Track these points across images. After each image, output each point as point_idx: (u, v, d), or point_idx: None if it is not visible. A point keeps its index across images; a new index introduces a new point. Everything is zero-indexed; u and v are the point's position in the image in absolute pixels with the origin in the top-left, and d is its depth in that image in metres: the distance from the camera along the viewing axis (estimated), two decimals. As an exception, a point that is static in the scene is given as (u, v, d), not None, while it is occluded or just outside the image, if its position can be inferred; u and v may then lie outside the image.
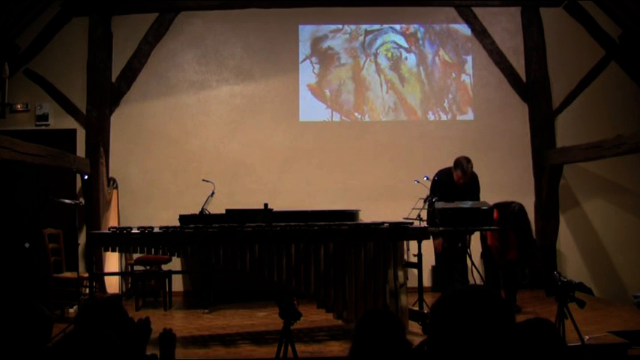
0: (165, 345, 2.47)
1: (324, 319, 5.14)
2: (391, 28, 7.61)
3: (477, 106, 7.52)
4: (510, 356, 1.35)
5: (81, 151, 7.19)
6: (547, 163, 7.23)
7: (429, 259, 6.39)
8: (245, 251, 4.54)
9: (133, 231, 4.59)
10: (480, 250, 7.14)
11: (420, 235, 4.80)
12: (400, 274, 4.69)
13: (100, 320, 2.02)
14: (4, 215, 7.00)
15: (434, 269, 7.05)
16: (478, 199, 5.72)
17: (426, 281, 6.29)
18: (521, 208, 5.54)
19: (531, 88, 7.46)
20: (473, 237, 5.70)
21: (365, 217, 6.48)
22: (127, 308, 2.30)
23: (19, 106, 7.16)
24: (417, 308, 4.84)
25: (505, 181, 7.22)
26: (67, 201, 5.72)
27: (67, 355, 1.53)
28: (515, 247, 5.49)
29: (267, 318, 5.56)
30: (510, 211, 5.48)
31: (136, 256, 6.30)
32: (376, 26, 7.60)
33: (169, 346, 2.45)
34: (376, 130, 7.46)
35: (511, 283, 5.80)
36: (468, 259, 5.36)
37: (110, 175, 7.13)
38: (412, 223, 4.93)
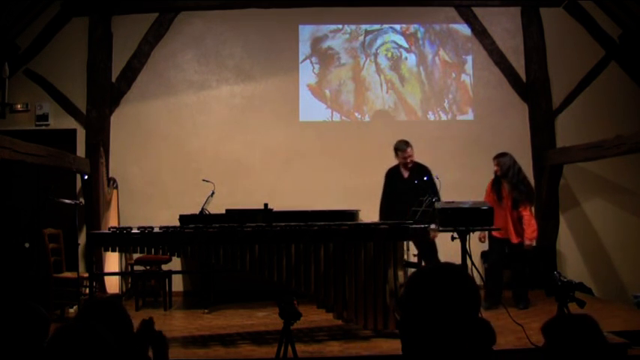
0: (158, 348, 2.44)
1: (324, 319, 5.13)
2: (391, 28, 7.61)
3: (477, 106, 7.52)
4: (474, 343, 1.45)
5: (81, 151, 7.19)
6: (547, 163, 7.23)
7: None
8: (245, 251, 4.53)
9: (133, 231, 4.59)
10: (480, 250, 7.17)
11: (420, 235, 4.79)
12: (400, 274, 4.69)
13: (100, 320, 2.02)
14: (4, 215, 7.00)
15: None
16: (438, 195, 5.64)
17: (426, 281, 6.27)
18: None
19: (531, 88, 7.46)
20: (474, 235, 5.70)
21: (365, 217, 6.48)
22: (127, 308, 2.30)
23: (19, 106, 7.15)
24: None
25: (505, 181, 7.23)
26: (67, 201, 5.73)
27: (56, 349, 1.54)
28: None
29: (267, 318, 5.56)
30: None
31: (136, 256, 6.31)
32: (376, 26, 7.60)
33: (162, 348, 2.42)
34: (376, 130, 7.46)
35: (521, 279, 5.84)
36: (468, 259, 5.35)
37: (110, 175, 7.13)
38: (412, 223, 4.93)
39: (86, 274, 6.19)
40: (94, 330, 1.61)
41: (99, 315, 2.06)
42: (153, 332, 2.31)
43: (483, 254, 7.08)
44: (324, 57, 7.55)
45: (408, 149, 5.84)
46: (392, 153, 7.40)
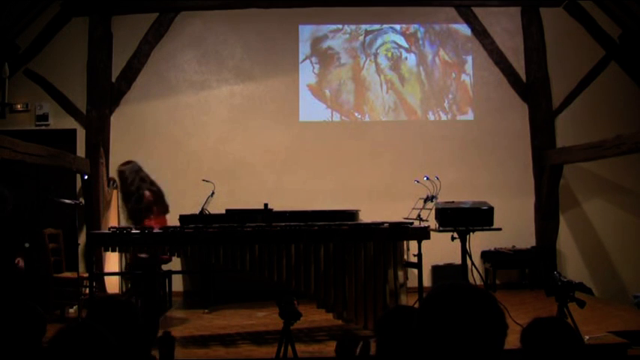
0: (165, 347, 2.46)
1: (324, 319, 5.13)
2: (391, 28, 7.61)
3: (476, 106, 7.52)
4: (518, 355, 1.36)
5: (81, 151, 7.19)
6: (547, 163, 7.23)
7: (429, 259, 6.37)
8: (245, 251, 4.54)
9: (132, 231, 4.60)
10: (480, 250, 7.17)
11: (420, 235, 4.79)
12: (400, 274, 4.69)
13: (110, 319, 2.00)
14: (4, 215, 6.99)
15: (434, 269, 7.05)
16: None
17: (426, 281, 6.28)
18: None
19: (531, 88, 7.46)
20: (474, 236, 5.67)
21: (365, 217, 6.47)
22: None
23: (19, 106, 7.15)
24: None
25: (505, 181, 7.23)
26: (67, 201, 5.73)
27: (59, 350, 1.54)
28: None
29: (267, 318, 5.56)
30: None
31: (136, 256, 6.30)
32: (376, 26, 7.60)
33: (168, 348, 2.44)
34: (376, 130, 7.46)
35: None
36: (468, 259, 5.35)
37: (110, 175, 7.13)
38: (412, 223, 4.93)
39: (86, 274, 6.18)
40: (96, 330, 1.60)
41: (109, 314, 2.03)
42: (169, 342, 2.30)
43: (483, 254, 7.09)
44: (324, 57, 7.55)
45: None
46: (391, 153, 7.44)
